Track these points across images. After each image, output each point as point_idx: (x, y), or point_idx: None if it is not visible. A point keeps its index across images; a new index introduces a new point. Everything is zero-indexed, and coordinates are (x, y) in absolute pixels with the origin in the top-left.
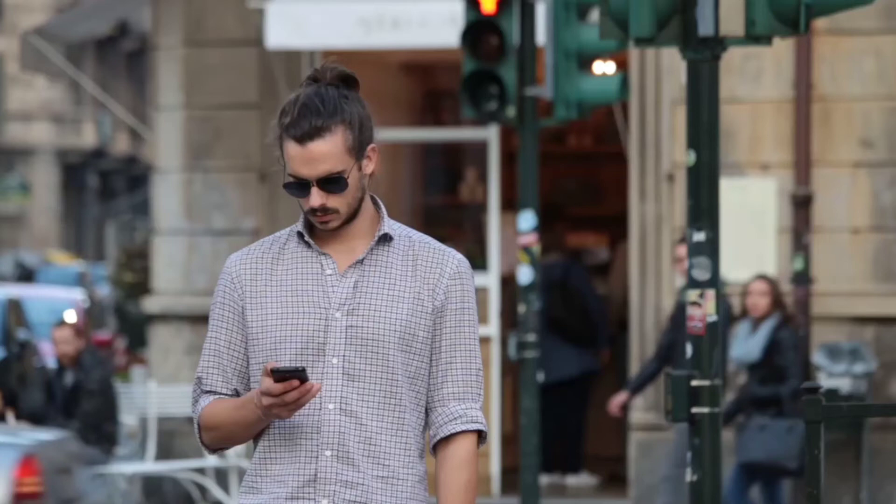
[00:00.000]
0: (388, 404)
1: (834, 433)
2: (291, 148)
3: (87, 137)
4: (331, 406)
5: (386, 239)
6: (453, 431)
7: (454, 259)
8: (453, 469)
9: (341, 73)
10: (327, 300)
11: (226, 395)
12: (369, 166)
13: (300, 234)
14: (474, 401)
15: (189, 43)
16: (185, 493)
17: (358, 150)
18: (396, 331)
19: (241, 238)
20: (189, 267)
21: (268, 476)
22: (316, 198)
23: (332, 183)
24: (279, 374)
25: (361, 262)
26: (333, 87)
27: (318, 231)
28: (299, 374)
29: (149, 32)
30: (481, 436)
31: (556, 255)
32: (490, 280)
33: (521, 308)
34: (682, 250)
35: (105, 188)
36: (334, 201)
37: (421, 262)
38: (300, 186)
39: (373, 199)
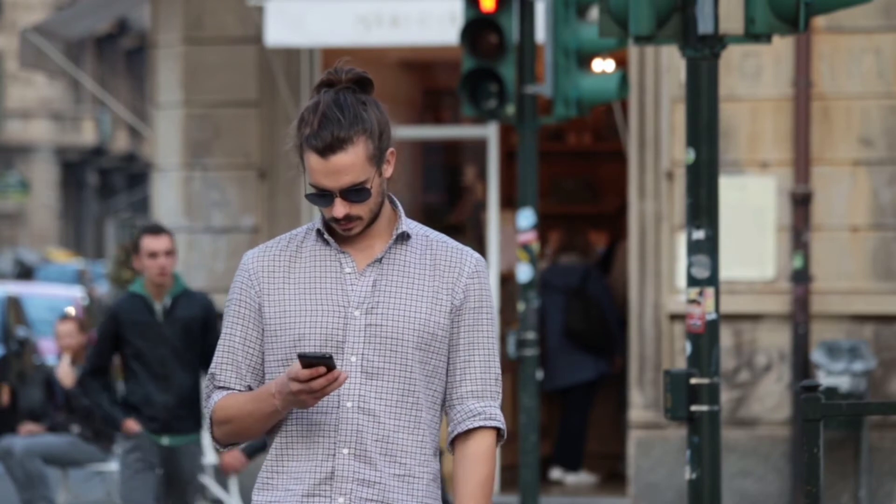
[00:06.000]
0: (405, 402)
1: (833, 431)
2: (313, 160)
3: (87, 135)
4: (349, 404)
5: (403, 238)
6: (471, 427)
7: (472, 258)
8: (471, 464)
9: (356, 75)
10: (346, 298)
11: (239, 391)
12: (389, 170)
13: (319, 232)
14: (493, 399)
15: (188, 40)
16: None
17: (378, 157)
18: (415, 329)
19: (240, 236)
20: (188, 265)
21: (284, 472)
22: (340, 208)
23: (356, 193)
24: (307, 360)
25: (380, 260)
26: (350, 93)
27: None
28: (327, 362)
29: (148, 30)
30: (500, 434)
31: (576, 256)
32: (489, 278)
33: (521, 306)
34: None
35: (104, 186)
36: (357, 209)
37: (439, 261)
38: (323, 197)
39: (390, 198)
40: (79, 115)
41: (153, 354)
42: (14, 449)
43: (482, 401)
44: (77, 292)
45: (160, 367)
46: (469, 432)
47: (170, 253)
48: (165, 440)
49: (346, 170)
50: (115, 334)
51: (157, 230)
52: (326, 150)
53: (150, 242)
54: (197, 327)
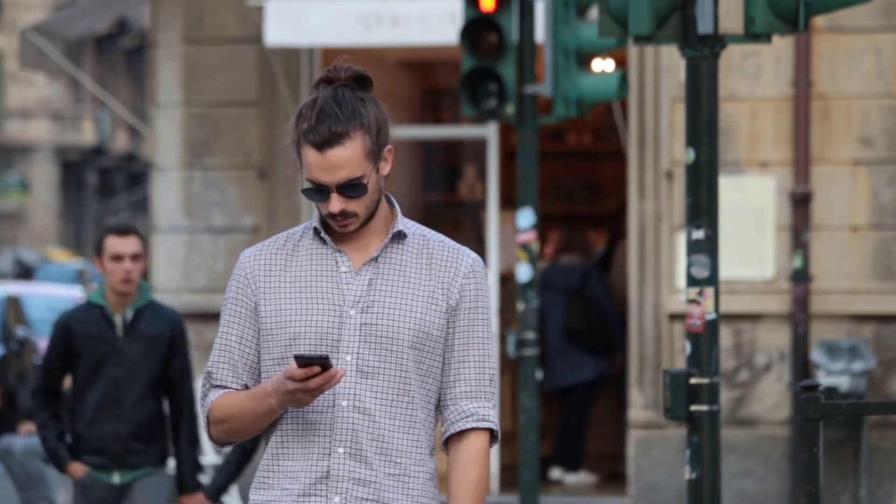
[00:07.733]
0: (400, 402)
1: (832, 431)
2: (310, 154)
3: (87, 135)
4: (344, 403)
5: (400, 236)
6: (464, 428)
7: (468, 258)
8: (464, 466)
9: (355, 73)
10: (342, 297)
11: (236, 390)
12: (386, 168)
13: (316, 231)
14: (487, 400)
15: (188, 40)
16: None
17: (376, 154)
18: (410, 329)
19: (240, 236)
20: (188, 264)
21: (280, 472)
22: (336, 203)
23: (352, 188)
24: (303, 361)
25: (376, 259)
26: (349, 90)
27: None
28: (322, 361)
29: (148, 30)
30: (493, 435)
31: (576, 256)
32: (489, 278)
33: (521, 306)
34: None
35: (104, 186)
36: (354, 206)
37: (435, 260)
38: (319, 192)
39: (387, 197)
40: (79, 115)
41: (107, 374)
42: (14, 449)
43: (476, 401)
44: (77, 292)
45: (113, 390)
46: (462, 433)
47: (137, 257)
48: (116, 477)
49: (343, 164)
50: (66, 349)
51: (123, 230)
52: (324, 145)
53: (114, 243)
54: (163, 346)
